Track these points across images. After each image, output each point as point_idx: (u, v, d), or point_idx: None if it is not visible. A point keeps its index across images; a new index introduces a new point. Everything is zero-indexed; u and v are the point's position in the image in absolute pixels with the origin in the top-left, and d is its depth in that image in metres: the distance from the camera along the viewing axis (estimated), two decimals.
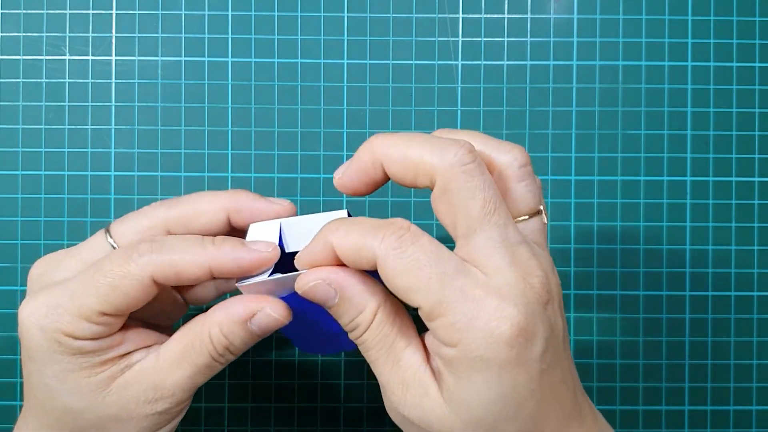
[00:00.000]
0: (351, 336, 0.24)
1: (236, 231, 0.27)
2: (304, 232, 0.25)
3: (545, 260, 0.24)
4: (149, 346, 0.25)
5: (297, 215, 0.27)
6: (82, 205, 0.34)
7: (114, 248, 0.26)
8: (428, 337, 0.23)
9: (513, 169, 0.24)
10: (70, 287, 0.24)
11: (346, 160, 0.25)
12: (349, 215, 0.25)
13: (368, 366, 0.35)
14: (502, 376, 0.21)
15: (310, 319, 0.26)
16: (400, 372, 0.23)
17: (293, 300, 0.25)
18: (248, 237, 0.25)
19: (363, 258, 0.22)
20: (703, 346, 0.35)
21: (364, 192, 0.25)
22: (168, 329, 0.29)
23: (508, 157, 0.24)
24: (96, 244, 0.26)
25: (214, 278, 0.25)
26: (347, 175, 0.24)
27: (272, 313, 0.24)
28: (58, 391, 0.24)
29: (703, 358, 0.35)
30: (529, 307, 0.21)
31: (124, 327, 0.25)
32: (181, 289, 0.28)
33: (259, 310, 0.24)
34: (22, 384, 0.34)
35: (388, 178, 0.24)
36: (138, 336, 0.25)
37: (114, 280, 0.24)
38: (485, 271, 0.22)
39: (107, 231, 0.26)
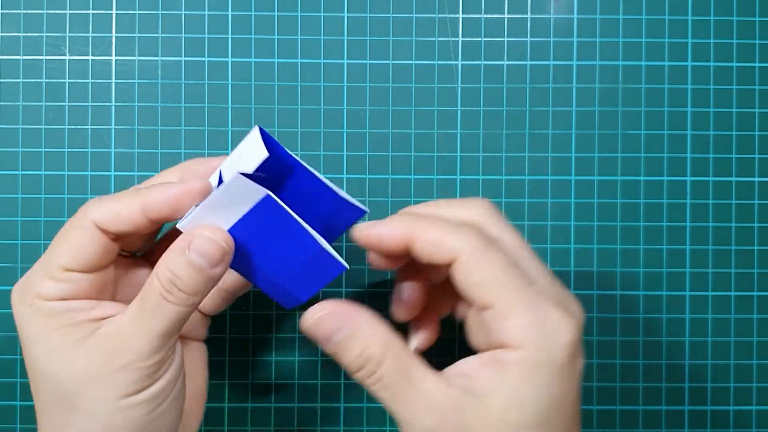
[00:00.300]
0: (361, 375, 0.24)
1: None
2: (236, 163, 0.25)
3: (561, 293, 0.25)
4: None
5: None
6: (82, 205, 0.34)
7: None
8: (466, 362, 0.24)
9: (481, 220, 0.26)
10: (40, 258, 0.26)
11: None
12: (263, 133, 0.25)
13: None
14: (559, 379, 0.23)
15: (266, 251, 0.25)
16: (428, 400, 0.23)
17: (243, 229, 0.25)
18: (224, 178, 0.26)
19: (442, 251, 0.24)
20: (703, 346, 0.35)
21: (379, 252, 0.26)
22: (200, 342, 0.30)
23: (472, 210, 0.26)
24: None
25: (153, 223, 0.25)
26: (371, 232, 0.25)
27: (209, 235, 0.24)
28: (38, 358, 0.25)
29: (703, 358, 0.35)
30: (579, 325, 0.24)
31: (99, 298, 0.26)
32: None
33: (195, 236, 0.24)
34: (22, 384, 0.34)
35: (403, 253, 0.26)
36: (112, 308, 0.26)
37: (66, 234, 0.26)
38: (513, 323, 0.23)
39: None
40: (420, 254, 0.25)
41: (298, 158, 0.27)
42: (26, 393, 0.34)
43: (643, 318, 0.35)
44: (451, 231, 0.24)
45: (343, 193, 0.28)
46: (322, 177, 0.27)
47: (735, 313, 0.35)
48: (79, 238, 0.25)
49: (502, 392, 0.23)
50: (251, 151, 0.25)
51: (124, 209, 0.25)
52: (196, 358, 0.29)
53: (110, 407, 0.24)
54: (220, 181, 0.26)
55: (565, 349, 0.23)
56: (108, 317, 0.25)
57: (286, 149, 0.27)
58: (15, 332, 0.34)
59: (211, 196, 0.24)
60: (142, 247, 0.29)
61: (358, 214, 0.28)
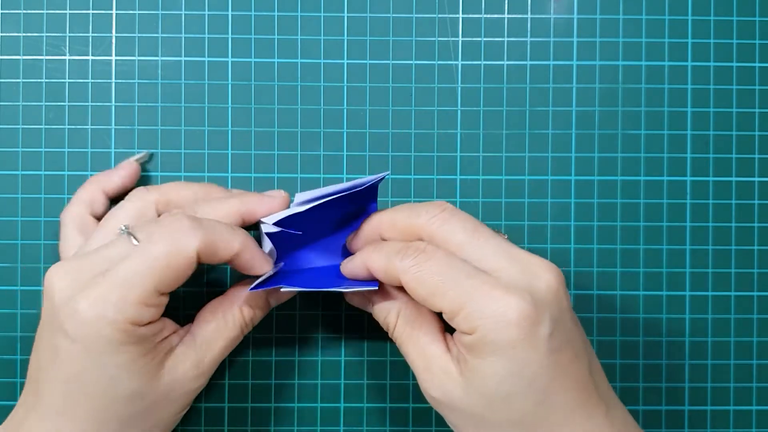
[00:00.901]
0: (390, 335, 0.29)
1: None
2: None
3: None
4: (175, 330, 0.28)
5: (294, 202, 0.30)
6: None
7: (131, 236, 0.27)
8: (456, 335, 0.27)
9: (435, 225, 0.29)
10: (124, 277, 0.25)
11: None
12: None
13: (368, 365, 0.35)
14: (514, 355, 0.25)
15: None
16: (426, 361, 0.27)
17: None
18: (263, 232, 0.29)
19: (390, 276, 0.27)
20: (703, 346, 0.35)
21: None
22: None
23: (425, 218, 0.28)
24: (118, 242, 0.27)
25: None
26: (355, 242, 0.30)
27: (289, 288, 0.28)
28: (122, 380, 0.26)
29: (703, 358, 0.35)
30: (535, 294, 0.25)
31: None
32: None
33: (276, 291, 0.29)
34: (23, 384, 0.34)
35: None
36: (169, 325, 0.28)
37: (168, 260, 0.26)
38: (495, 272, 0.26)
39: (125, 229, 0.27)
40: (381, 280, 0.28)
41: (304, 208, 0.29)
42: None
43: (643, 318, 0.35)
44: (394, 254, 0.27)
45: (349, 184, 0.29)
46: (327, 190, 0.29)
47: (735, 313, 0.35)
48: (182, 265, 0.26)
49: (471, 367, 0.26)
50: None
51: (224, 248, 0.27)
52: None
53: (174, 418, 0.29)
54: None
55: (510, 326, 0.25)
56: (171, 334, 0.28)
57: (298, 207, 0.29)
58: (15, 332, 0.34)
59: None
60: None
61: (376, 184, 0.30)
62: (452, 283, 0.25)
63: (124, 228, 0.27)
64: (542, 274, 0.26)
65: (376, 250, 0.28)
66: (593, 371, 0.27)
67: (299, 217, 0.29)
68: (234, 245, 0.27)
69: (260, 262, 0.28)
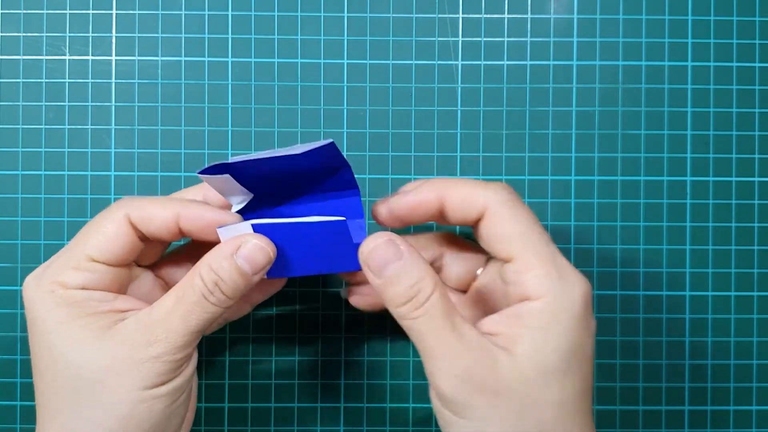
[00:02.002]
0: (407, 307, 0.25)
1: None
2: (278, 239, 0.26)
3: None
4: (139, 308, 0.27)
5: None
6: (82, 205, 0.34)
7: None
8: (492, 318, 0.25)
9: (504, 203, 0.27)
10: (60, 253, 0.27)
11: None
12: (354, 201, 0.28)
13: (368, 366, 0.35)
14: (577, 329, 0.24)
15: (290, 251, 0.27)
16: (464, 341, 0.24)
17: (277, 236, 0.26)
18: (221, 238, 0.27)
19: (473, 205, 0.26)
20: (703, 346, 0.35)
21: (402, 223, 0.28)
22: None
23: (495, 189, 0.27)
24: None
25: (180, 234, 0.27)
26: (401, 204, 0.27)
27: (258, 242, 0.25)
28: (58, 346, 0.25)
29: (703, 358, 0.35)
30: (590, 286, 0.25)
31: (126, 291, 0.28)
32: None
33: (244, 243, 0.25)
34: (22, 384, 0.34)
35: (431, 217, 0.27)
36: (132, 303, 0.27)
37: (97, 225, 0.26)
38: (533, 279, 0.25)
39: None
40: (451, 212, 0.26)
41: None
42: (26, 393, 0.34)
43: (643, 318, 0.35)
44: (482, 187, 0.26)
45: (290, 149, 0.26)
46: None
47: (735, 313, 0.35)
48: (110, 229, 0.26)
49: (526, 341, 0.24)
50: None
51: (160, 213, 0.26)
52: None
53: (134, 398, 0.25)
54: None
55: (581, 300, 0.25)
56: (128, 310, 0.26)
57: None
58: (15, 332, 0.34)
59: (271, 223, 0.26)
60: (153, 259, 0.30)
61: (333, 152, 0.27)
62: (539, 236, 0.25)
63: None
64: (577, 285, 0.25)
65: (454, 179, 0.27)
66: None
67: (252, 168, 0.26)
68: (168, 203, 0.26)
69: (210, 211, 0.26)
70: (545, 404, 0.24)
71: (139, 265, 0.29)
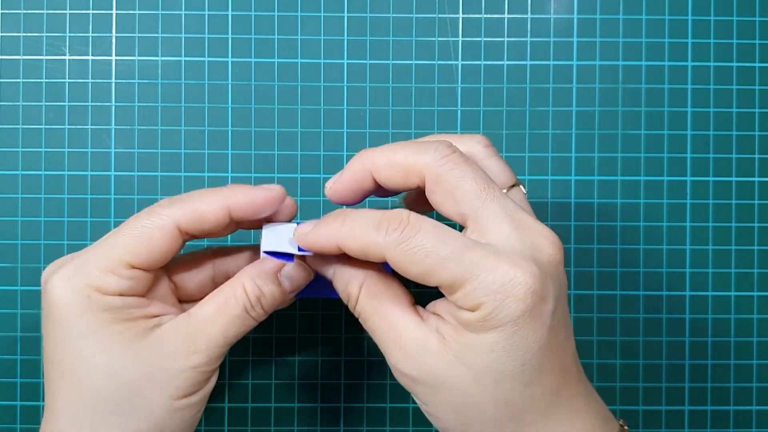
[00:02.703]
0: (350, 309, 0.26)
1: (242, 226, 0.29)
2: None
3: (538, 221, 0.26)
4: (173, 313, 0.27)
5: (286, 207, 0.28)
6: (82, 205, 0.34)
7: None
8: (440, 303, 0.25)
9: (478, 151, 0.27)
10: (96, 247, 0.25)
11: (346, 162, 0.27)
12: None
13: (368, 366, 0.35)
14: (515, 332, 0.23)
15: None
16: (395, 334, 0.24)
17: None
18: (263, 237, 0.27)
19: (372, 255, 0.24)
20: (703, 346, 0.35)
21: (353, 201, 0.27)
22: None
23: (471, 142, 0.27)
24: None
25: (232, 222, 0.26)
26: (339, 184, 0.27)
27: (300, 264, 0.26)
28: (90, 352, 0.24)
29: (703, 358, 0.35)
30: (541, 268, 0.23)
31: (152, 295, 0.27)
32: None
33: (287, 264, 0.26)
34: (23, 384, 0.34)
35: (377, 187, 0.26)
36: (161, 308, 0.26)
37: (141, 231, 0.25)
38: (495, 241, 0.24)
39: None
40: (387, 185, 0.26)
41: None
42: (26, 393, 0.34)
43: (643, 318, 0.35)
44: (373, 229, 0.24)
45: None
46: None
47: (735, 313, 0.35)
48: (157, 237, 0.25)
49: (462, 341, 0.23)
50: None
51: (209, 211, 0.26)
52: None
53: (168, 406, 0.25)
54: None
55: (518, 302, 0.23)
56: (160, 315, 0.26)
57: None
58: (15, 333, 0.34)
59: (263, 244, 0.27)
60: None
61: None
62: (449, 258, 0.23)
63: None
64: (545, 246, 0.24)
65: (346, 223, 0.24)
66: (575, 353, 0.26)
67: None
68: (218, 198, 0.26)
69: (258, 190, 0.26)
70: (485, 403, 0.24)
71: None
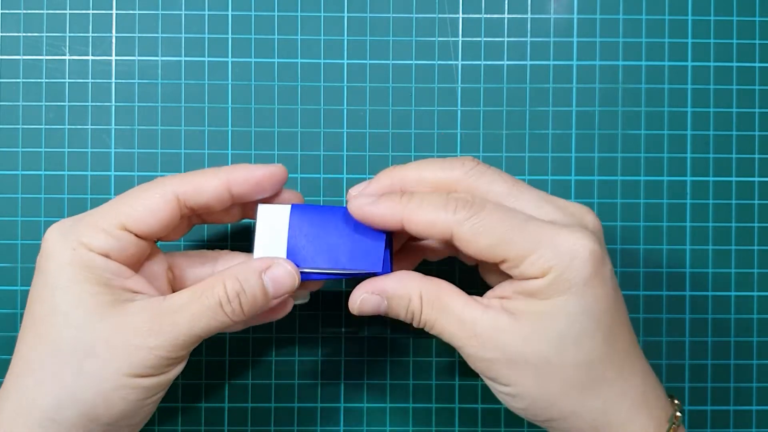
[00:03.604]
0: (415, 323, 0.27)
1: (244, 206, 0.30)
2: (314, 224, 0.27)
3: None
4: (154, 294, 0.27)
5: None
6: (82, 205, 0.34)
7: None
8: (499, 289, 0.26)
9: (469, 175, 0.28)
10: (98, 208, 0.26)
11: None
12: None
13: (368, 366, 0.35)
14: (586, 291, 0.24)
15: (323, 246, 0.28)
16: (466, 326, 0.25)
17: (295, 243, 0.27)
18: (258, 216, 0.27)
19: (436, 231, 0.25)
20: (703, 346, 0.35)
21: (373, 219, 0.27)
22: None
23: (463, 170, 0.27)
24: None
25: (232, 199, 0.27)
26: (364, 197, 0.27)
27: (290, 268, 0.27)
28: (61, 303, 0.25)
29: (703, 358, 0.35)
30: (593, 235, 0.25)
31: (143, 272, 0.27)
32: None
33: (275, 264, 0.26)
34: None
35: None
36: (143, 286, 0.26)
37: (139, 194, 0.26)
38: (543, 218, 0.25)
39: None
40: (416, 234, 0.26)
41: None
42: None
43: (643, 318, 0.35)
44: (441, 207, 0.25)
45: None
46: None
47: (735, 313, 0.35)
48: (154, 201, 0.26)
49: (536, 311, 0.25)
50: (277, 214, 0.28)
51: (208, 183, 0.26)
52: None
53: (116, 380, 0.25)
54: (289, 224, 0.28)
55: (585, 263, 0.24)
56: (138, 292, 0.26)
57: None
58: (15, 332, 0.34)
59: (257, 235, 0.27)
60: (179, 236, 0.29)
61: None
62: (516, 230, 0.24)
63: None
64: (587, 217, 0.26)
65: (413, 200, 0.26)
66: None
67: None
68: (218, 172, 0.27)
69: (258, 168, 0.27)
70: (566, 367, 0.25)
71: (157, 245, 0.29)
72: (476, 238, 0.25)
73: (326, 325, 0.35)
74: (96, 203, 0.34)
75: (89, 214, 0.26)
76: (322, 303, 0.35)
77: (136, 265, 0.27)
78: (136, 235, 0.26)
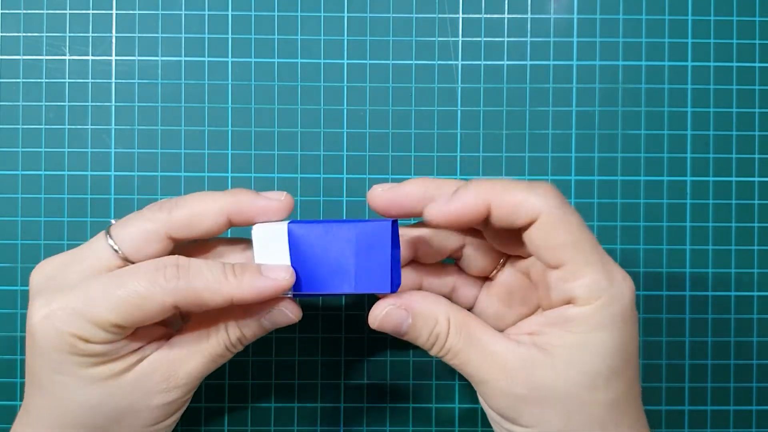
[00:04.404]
0: (435, 349, 0.26)
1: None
2: (313, 243, 0.26)
3: None
4: (159, 338, 0.27)
5: (296, 217, 0.27)
6: (82, 205, 0.34)
7: (116, 252, 0.25)
8: (528, 322, 0.26)
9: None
10: (87, 295, 0.24)
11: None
12: (394, 226, 0.26)
13: (368, 366, 0.35)
14: (625, 329, 0.24)
15: (327, 264, 0.26)
16: (496, 359, 0.24)
17: (298, 260, 0.26)
18: (254, 239, 0.26)
19: (522, 212, 0.24)
20: (703, 346, 0.35)
21: (456, 227, 0.27)
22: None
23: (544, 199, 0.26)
24: (98, 247, 0.26)
25: (228, 225, 0.26)
26: (450, 207, 0.25)
27: (287, 311, 0.26)
28: (74, 386, 0.25)
29: (704, 358, 0.35)
30: (631, 297, 0.25)
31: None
32: None
33: (277, 309, 0.26)
34: (22, 384, 0.34)
35: (481, 221, 0.25)
36: (146, 331, 0.26)
37: (137, 300, 0.24)
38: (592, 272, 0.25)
39: (108, 233, 0.26)
40: (498, 219, 0.25)
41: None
42: None
43: (643, 318, 0.35)
44: (532, 192, 0.24)
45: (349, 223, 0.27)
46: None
47: (735, 313, 0.35)
48: (152, 311, 0.24)
49: (572, 344, 0.24)
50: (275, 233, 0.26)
51: (211, 299, 0.24)
52: None
53: (141, 431, 0.26)
54: (289, 242, 0.26)
55: (628, 302, 0.24)
56: (143, 346, 0.26)
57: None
58: (15, 332, 0.34)
59: (255, 256, 0.26)
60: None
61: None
62: (588, 241, 0.24)
63: (110, 240, 0.25)
64: (624, 284, 0.25)
65: (500, 184, 0.24)
66: None
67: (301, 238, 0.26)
68: (222, 291, 0.24)
69: (259, 198, 0.26)
70: (594, 405, 0.24)
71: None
72: (556, 230, 0.24)
73: (326, 325, 0.35)
74: (96, 203, 0.34)
75: (80, 303, 0.24)
76: (322, 303, 0.35)
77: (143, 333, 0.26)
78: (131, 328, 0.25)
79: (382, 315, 0.26)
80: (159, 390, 0.26)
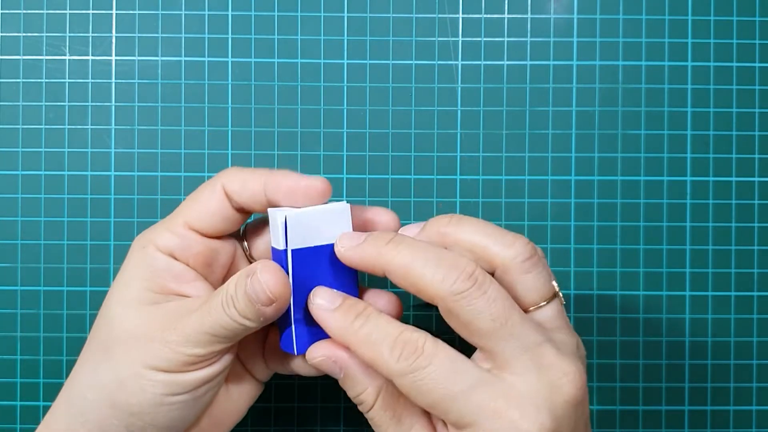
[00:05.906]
0: (360, 409, 0.26)
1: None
2: (307, 226, 0.26)
3: (570, 347, 0.25)
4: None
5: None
6: (82, 205, 0.34)
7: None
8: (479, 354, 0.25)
9: (517, 264, 0.25)
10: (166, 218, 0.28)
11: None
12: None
13: None
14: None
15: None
16: None
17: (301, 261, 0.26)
18: (270, 221, 0.27)
19: (379, 372, 0.24)
20: (703, 346, 0.35)
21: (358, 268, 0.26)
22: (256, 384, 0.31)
23: (511, 252, 0.25)
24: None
25: (268, 203, 0.26)
26: (353, 251, 0.25)
27: (267, 278, 0.25)
28: (112, 298, 0.27)
29: (703, 358, 0.35)
30: (554, 413, 0.23)
31: (203, 269, 0.27)
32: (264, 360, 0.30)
33: (258, 271, 0.25)
34: (23, 384, 0.34)
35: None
36: (197, 291, 0.27)
37: (195, 194, 0.27)
38: (510, 381, 0.23)
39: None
40: (398, 285, 0.25)
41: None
42: (26, 393, 0.34)
43: (643, 318, 0.35)
44: (387, 348, 0.24)
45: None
46: None
47: (735, 313, 0.35)
48: (207, 197, 0.27)
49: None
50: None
51: (252, 180, 0.26)
52: (242, 395, 0.30)
53: (134, 368, 0.25)
54: (285, 230, 0.26)
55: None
56: (186, 297, 0.27)
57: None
58: (15, 333, 0.34)
59: (271, 234, 0.27)
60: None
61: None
62: (456, 397, 0.23)
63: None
64: (564, 385, 0.23)
65: (365, 326, 0.24)
66: None
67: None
68: (257, 172, 0.26)
69: (296, 177, 0.26)
70: None
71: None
72: (414, 395, 0.23)
73: None
74: (96, 203, 0.34)
75: (167, 218, 0.27)
76: None
77: (205, 266, 0.27)
78: (199, 233, 0.27)
79: (315, 361, 0.26)
80: (163, 326, 0.26)
